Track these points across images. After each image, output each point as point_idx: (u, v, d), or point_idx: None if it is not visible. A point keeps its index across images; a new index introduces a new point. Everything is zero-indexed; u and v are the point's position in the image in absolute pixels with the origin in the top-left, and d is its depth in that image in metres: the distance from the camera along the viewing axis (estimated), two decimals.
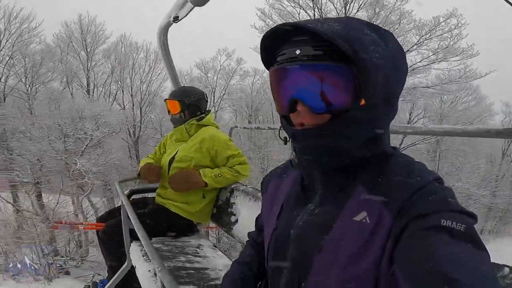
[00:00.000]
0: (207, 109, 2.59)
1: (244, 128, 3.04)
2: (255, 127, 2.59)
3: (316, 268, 0.76)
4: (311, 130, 0.73)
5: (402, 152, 0.83)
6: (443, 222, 0.62)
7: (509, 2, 1.55)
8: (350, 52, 0.65)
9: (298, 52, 0.70)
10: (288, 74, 0.73)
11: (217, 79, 23.54)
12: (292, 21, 0.71)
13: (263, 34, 0.76)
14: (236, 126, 3.10)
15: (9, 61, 18.94)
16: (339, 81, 0.69)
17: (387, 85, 0.71)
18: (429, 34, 14.97)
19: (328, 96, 0.70)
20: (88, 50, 21.47)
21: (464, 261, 0.57)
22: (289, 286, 0.82)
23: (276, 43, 0.76)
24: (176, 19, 2.25)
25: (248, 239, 1.22)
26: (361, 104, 0.69)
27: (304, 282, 0.78)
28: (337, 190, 0.78)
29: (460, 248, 0.59)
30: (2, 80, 19.04)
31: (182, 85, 2.78)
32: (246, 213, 2.16)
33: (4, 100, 18.83)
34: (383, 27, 0.75)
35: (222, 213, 2.44)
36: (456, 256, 0.57)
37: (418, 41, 15.20)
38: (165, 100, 2.56)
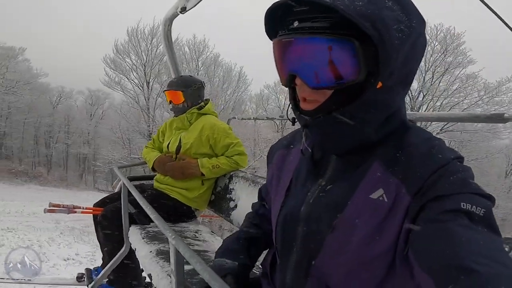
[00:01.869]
0: (205, 98, 2.61)
1: (243, 119, 3.05)
2: (253, 118, 2.60)
3: (328, 248, 0.73)
4: (324, 119, 0.69)
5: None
6: (463, 205, 0.59)
7: None
8: (374, 34, 0.60)
9: (296, 24, 0.66)
10: (286, 47, 0.68)
11: None
12: None
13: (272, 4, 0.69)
14: (234, 117, 3.12)
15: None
16: (338, 55, 0.63)
17: (406, 64, 0.67)
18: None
19: (324, 72, 0.65)
20: None
21: (482, 249, 0.54)
22: (299, 265, 0.79)
23: (281, 13, 0.70)
24: (184, 9, 2.26)
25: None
26: (378, 87, 0.65)
27: (315, 261, 0.75)
28: (352, 166, 0.75)
29: (478, 234, 0.56)
30: None
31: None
32: (246, 199, 2.17)
33: None
34: None
35: (220, 200, 2.44)
36: (475, 243, 0.55)
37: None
38: (164, 91, 2.55)
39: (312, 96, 0.69)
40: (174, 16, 2.36)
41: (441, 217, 0.59)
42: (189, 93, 2.47)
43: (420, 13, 0.68)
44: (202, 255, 1.95)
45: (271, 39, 0.74)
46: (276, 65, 0.74)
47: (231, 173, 2.43)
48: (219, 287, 0.72)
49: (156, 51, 22.13)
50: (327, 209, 0.73)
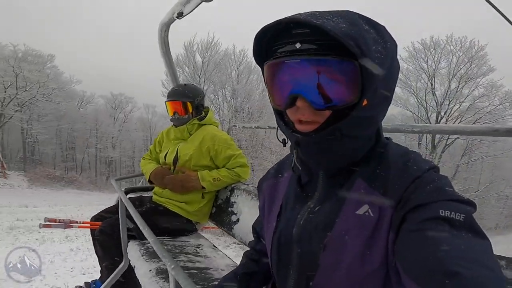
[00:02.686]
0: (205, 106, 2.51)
1: (244, 127, 2.96)
2: (255, 126, 2.51)
3: (323, 268, 0.73)
4: (316, 136, 0.70)
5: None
6: (442, 212, 0.60)
7: None
8: (358, 53, 0.62)
9: (298, 46, 0.66)
10: (287, 68, 0.68)
11: None
12: (294, 15, 0.67)
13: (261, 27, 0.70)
14: (235, 125, 3.03)
15: None
16: (341, 76, 0.65)
17: (387, 83, 0.70)
18: None
19: (329, 92, 0.66)
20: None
21: (465, 253, 0.54)
22: (297, 287, 0.79)
23: (271, 37, 0.71)
24: (181, 15, 2.17)
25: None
26: (363, 104, 0.67)
27: (312, 281, 0.75)
28: (337, 186, 0.76)
29: (460, 239, 0.57)
30: None
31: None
32: (248, 212, 2.09)
33: None
34: (377, 21, 0.71)
35: (222, 213, 2.35)
36: (457, 248, 0.55)
37: None
38: (168, 101, 2.37)
39: (311, 118, 0.69)
40: (171, 21, 2.27)
41: (422, 226, 0.60)
42: (196, 103, 2.37)
43: (392, 38, 0.71)
44: (204, 273, 1.86)
45: (258, 60, 0.76)
46: (271, 87, 0.74)
47: (233, 186, 2.35)
48: None
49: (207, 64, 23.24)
50: (317, 229, 0.75)
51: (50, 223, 2.61)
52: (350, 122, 0.67)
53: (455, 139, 22.01)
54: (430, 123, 22.25)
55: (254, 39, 0.72)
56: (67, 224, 2.65)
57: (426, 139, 23.41)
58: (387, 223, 0.67)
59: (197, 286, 1.68)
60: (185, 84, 2.43)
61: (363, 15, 0.70)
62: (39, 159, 34.67)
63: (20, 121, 30.07)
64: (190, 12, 2.13)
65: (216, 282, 1.78)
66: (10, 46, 28.61)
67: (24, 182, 25.34)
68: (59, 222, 2.66)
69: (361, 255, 0.68)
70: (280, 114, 0.77)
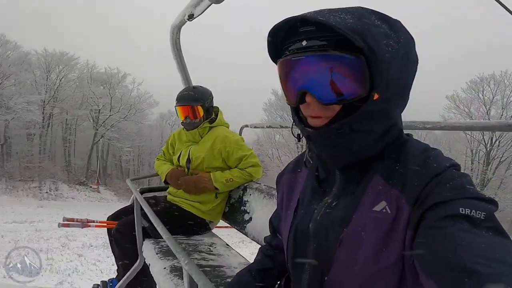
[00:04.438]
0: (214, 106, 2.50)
1: (255, 127, 2.96)
2: (266, 126, 2.53)
3: (338, 263, 0.73)
4: (326, 130, 0.70)
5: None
6: (462, 210, 0.59)
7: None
8: (364, 47, 0.63)
9: (304, 43, 0.68)
10: (295, 65, 0.70)
11: None
12: (302, 14, 0.68)
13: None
14: (247, 125, 3.04)
15: None
16: (348, 70, 0.66)
17: (400, 77, 0.69)
18: None
19: (337, 86, 0.67)
20: None
21: (485, 251, 0.53)
22: (312, 282, 0.79)
23: (283, 35, 0.73)
24: (191, 17, 2.18)
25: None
26: (374, 98, 0.67)
27: (327, 276, 0.75)
28: (355, 182, 0.76)
29: (480, 237, 0.55)
30: None
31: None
32: (261, 211, 2.09)
33: None
34: (392, 16, 0.71)
35: (235, 212, 2.36)
36: (476, 245, 0.54)
37: None
38: (178, 106, 2.34)
39: (321, 113, 0.70)
40: (182, 23, 2.29)
41: (441, 224, 0.59)
42: (206, 106, 2.35)
43: (408, 32, 0.71)
44: (217, 271, 1.86)
45: (274, 60, 0.77)
46: (283, 84, 0.75)
47: (245, 185, 2.35)
48: None
49: None
50: (334, 224, 0.74)
51: (69, 222, 2.66)
52: (360, 116, 0.67)
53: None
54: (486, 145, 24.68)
55: (267, 38, 0.74)
56: (84, 223, 2.69)
57: (479, 156, 25.52)
58: (404, 220, 0.66)
59: (209, 282, 1.72)
60: (193, 87, 2.42)
61: (375, 11, 0.70)
62: (121, 174, 37.62)
63: (108, 139, 33.27)
64: (200, 14, 2.15)
65: (229, 280, 1.79)
66: (109, 70, 33.20)
67: (112, 195, 28.26)
68: (77, 221, 2.71)
69: (377, 252, 0.68)
70: (295, 110, 0.78)
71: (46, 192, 26.13)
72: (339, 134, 0.69)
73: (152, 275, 1.88)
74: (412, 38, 0.72)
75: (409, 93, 0.75)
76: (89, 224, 2.70)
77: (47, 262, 6.59)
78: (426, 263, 0.58)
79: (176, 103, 2.37)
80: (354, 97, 0.67)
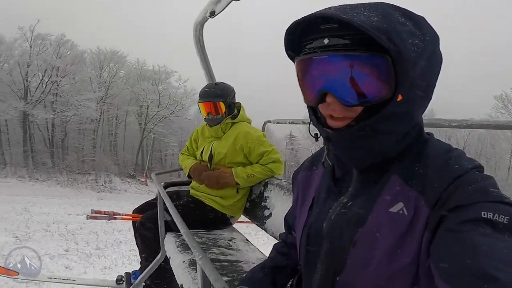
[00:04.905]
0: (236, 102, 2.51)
1: (278, 123, 2.95)
2: (289, 122, 2.50)
3: (351, 263, 0.71)
4: (347, 132, 0.68)
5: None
6: (484, 214, 0.56)
7: None
8: (390, 47, 0.60)
9: (326, 41, 0.64)
10: (316, 64, 0.67)
11: None
12: (323, 10, 0.65)
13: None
14: (269, 121, 3.02)
15: None
16: (372, 71, 0.63)
17: (424, 77, 0.66)
18: None
19: (361, 87, 0.64)
20: None
21: (508, 257, 0.51)
22: (324, 281, 0.77)
23: (300, 32, 0.70)
24: (213, 14, 2.21)
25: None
26: (398, 99, 0.64)
27: (339, 276, 0.73)
28: (372, 182, 0.74)
29: (503, 243, 0.53)
30: None
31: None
32: (280, 207, 2.09)
33: None
34: (414, 12, 0.67)
35: (255, 207, 2.37)
36: (498, 251, 0.51)
37: None
38: (201, 102, 2.38)
39: (342, 113, 0.68)
40: (204, 20, 2.31)
41: (461, 227, 0.57)
42: (228, 102, 2.38)
43: (433, 29, 0.68)
44: (234, 265, 1.88)
45: (291, 58, 0.75)
46: (302, 83, 0.73)
47: (266, 181, 2.36)
48: None
49: None
50: (348, 224, 0.73)
51: (96, 215, 2.78)
52: (383, 118, 0.65)
53: None
54: None
55: (284, 35, 0.72)
56: (111, 216, 2.80)
57: None
58: (422, 222, 0.63)
59: (222, 277, 1.73)
60: (216, 84, 2.45)
61: (399, 7, 0.67)
62: (163, 167, 38.83)
63: (156, 134, 34.71)
64: (221, 10, 2.16)
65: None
66: (157, 67, 34.84)
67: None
68: (104, 214, 2.82)
69: (392, 253, 0.65)
70: (312, 109, 0.76)
71: (102, 185, 27.98)
72: (360, 136, 0.67)
73: (172, 268, 1.92)
74: (437, 36, 0.68)
75: (432, 93, 0.71)
76: (115, 216, 2.80)
77: (132, 253, 6.95)
78: (442, 267, 0.55)
79: (199, 99, 2.40)
80: (378, 98, 0.64)
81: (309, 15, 0.66)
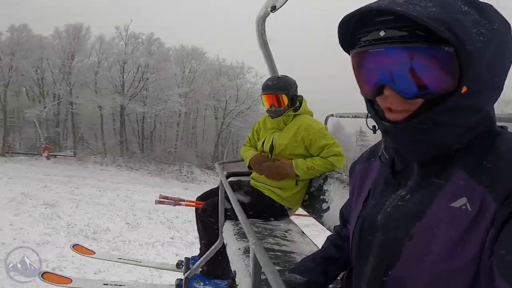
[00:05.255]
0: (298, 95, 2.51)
1: (341, 116, 2.87)
2: (352, 116, 2.40)
3: (406, 257, 0.68)
4: (407, 125, 0.66)
5: None
6: None
7: None
8: (451, 38, 0.57)
9: (382, 33, 0.63)
10: (373, 57, 0.66)
11: None
12: (376, 3, 0.63)
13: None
14: (332, 115, 2.96)
15: None
16: (433, 62, 0.60)
17: (492, 68, 0.62)
18: None
19: (421, 79, 0.62)
20: None
21: None
22: (375, 275, 0.75)
23: (354, 24, 0.69)
24: (274, 8, 2.23)
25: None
26: (462, 91, 0.60)
27: (392, 271, 0.71)
28: (433, 176, 0.69)
29: None
30: None
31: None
32: (339, 201, 2.05)
33: None
34: (481, 0, 0.63)
35: (313, 200, 2.36)
36: None
37: None
38: (264, 94, 2.41)
39: (401, 106, 0.66)
40: (265, 15, 2.34)
41: None
42: (291, 94, 2.40)
43: (503, 17, 0.63)
44: (288, 256, 1.89)
45: (346, 50, 0.74)
46: (358, 75, 0.72)
47: (326, 174, 2.33)
48: None
49: None
50: (405, 217, 0.70)
51: (163, 200, 3.01)
52: (445, 110, 0.62)
53: None
54: None
55: (337, 28, 0.71)
56: (176, 201, 3.00)
57: None
58: (488, 219, 0.59)
59: (271, 262, 1.75)
60: (278, 77, 2.47)
61: None
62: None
63: (234, 128, 37.13)
64: (282, 5, 2.18)
65: None
66: (235, 63, 37.11)
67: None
68: (170, 199, 3.03)
69: (450, 250, 0.62)
70: (370, 101, 0.75)
71: (185, 175, 30.26)
72: (421, 129, 0.65)
73: (228, 255, 2.00)
74: (508, 24, 0.64)
75: (503, 84, 0.67)
76: (180, 203, 2.99)
77: None
78: (506, 266, 0.53)
79: (262, 91, 2.45)
80: (441, 90, 0.62)
81: (362, 8, 0.64)
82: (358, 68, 0.71)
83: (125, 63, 32.14)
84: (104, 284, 2.74)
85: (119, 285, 2.73)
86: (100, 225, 9.41)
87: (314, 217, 2.30)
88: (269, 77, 2.62)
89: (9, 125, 31.95)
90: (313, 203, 2.34)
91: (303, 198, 2.46)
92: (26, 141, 34.23)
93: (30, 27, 31.45)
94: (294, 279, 1.00)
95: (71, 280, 2.76)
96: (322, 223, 2.17)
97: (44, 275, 2.75)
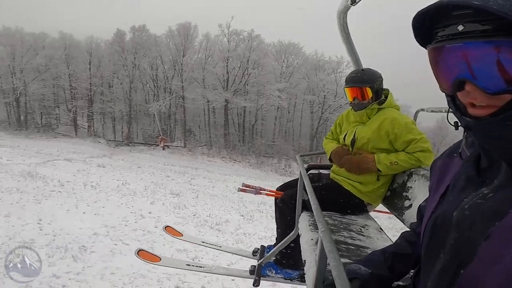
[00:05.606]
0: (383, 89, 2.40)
1: (432, 111, 2.65)
2: (444, 110, 2.18)
3: (480, 258, 0.65)
4: (491, 121, 0.63)
5: None
6: None
7: None
8: None
9: (461, 28, 0.61)
10: (451, 52, 0.64)
11: None
12: None
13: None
14: (423, 109, 2.75)
15: None
16: None
17: None
18: None
19: (503, 75, 0.59)
20: None
21: None
22: (444, 273, 0.73)
23: (430, 18, 0.68)
24: (354, 1, 2.19)
25: None
26: None
27: (464, 270, 0.68)
28: None
29: None
30: None
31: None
32: (422, 199, 1.90)
33: None
34: None
35: (395, 197, 2.25)
36: None
37: None
38: (347, 87, 2.37)
39: (486, 102, 0.63)
40: (346, 8, 2.29)
41: None
42: (375, 88, 2.32)
43: None
44: (360, 250, 1.86)
45: (422, 45, 0.73)
46: (436, 71, 0.71)
47: (412, 170, 2.20)
48: (340, 285, 0.74)
49: None
50: (484, 216, 0.66)
51: (245, 188, 3.15)
52: None
53: None
54: None
55: (412, 23, 0.72)
56: (257, 190, 3.12)
57: None
58: None
59: (344, 258, 1.74)
60: (362, 70, 2.40)
61: None
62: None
63: (331, 123, 38.46)
64: None
65: None
66: (334, 58, 37.07)
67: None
68: (252, 188, 3.17)
69: None
70: (451, 96, 0.73)
71: (283, 169, 31.07)
72: (507, 125, 0.62)
73: (300, 245, 2.04)
74: None
75: None
76: (261, 192, 3.11)
77: None
78: None
79: (345, 84, 2.41)
80: None
81: (437, 3, 0.64)
82: (436, 64, 0.69)
83: (228, 59, 34.12)
84: (187, 265, 2.98)
85: (200, 266, 2.96)
86: (220, 216, 9.96)
87: (395, 214, 2.20)
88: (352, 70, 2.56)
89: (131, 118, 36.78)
90: (395, 200, 2.23)
91: (385, 194, 2.37)
92: (143, 132, 38.88)
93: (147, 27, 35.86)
94: (358, 269, 1.00)
95: (160, 258, 3.08)
96: (402, 221, 2.07)
97: (139, 252, 3.11)
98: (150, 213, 9.20)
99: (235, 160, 31.67)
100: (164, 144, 31.47)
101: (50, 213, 8.02)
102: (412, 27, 0.69)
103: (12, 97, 33.96)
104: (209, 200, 12.14)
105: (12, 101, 34.24)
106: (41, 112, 36.88)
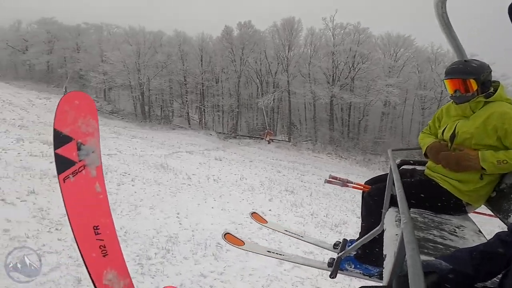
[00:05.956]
0: (493, 81, 2.14)
1: None
2: None
3: None
4: None
5: None
6: None
7: None
8: None
9: None
10: None
11: None
12: None
13: None
14: None
15: None
16: None
17: None
18: None
19: None
20: None
21: None
22: None
23: None
24: None
25: None
26: None
27: None
28: None
29: None
30: None
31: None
32: None
33: None
34: None
35: (502, 198, 1.99)
36: None
37: None
38: (447, 79, 2.19)
39: None
40: None
41: None
42: (482, 79, 2.10)
43: None
44: (449, 250, 1.71)
45: None
46: None
47: None
48: (413, 279, 0.72)
49: None
50: None
51: (332, 180, 3.10)
52: None
53: None
54: None
55: (508, 11, 0.69)
56: (344, 183, 3.03)
57: None
58: None
59: (430, 257, 1.63)
60: (465, 60, 2.17)
61: None
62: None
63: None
64: None
65: None
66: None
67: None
68: (339, 180, 3.09)
69: None
70: None
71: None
72: None
73: (384, 240, 1.98)
74: None
75: None
76: (347, 184, 3.01)
77: None
78: None
79: (445, 76, 2.23)
80: None
81: None
82: None
83: (333, 53, 33.37)
84: (268, 251, 3.05)
85: (280, 253, 3.01)
86: (336, 217, 9.68)
87: (499, 217, 1.95)
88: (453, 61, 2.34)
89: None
90: (501, 202, 1.97)
91: (489, 195, 2.12)
92: (247, 124, 40.57)
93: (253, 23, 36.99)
94: (439, 264, 0.95)
95: (243, 242, 3.21)
96: (507, 224, 1.83)
97: (226, 236, 3.28)
98: (270, 210, 9.14)
99: (341, 156, 30.90)
100: (270, 138, 32.43)
101: (184, 207, 8.15)
102: (509, 14, 0.66)
103: (138, 92, 38.09)
104: (323, 199, 11.87)
105: (138, 95, 38.44)
106: (161, 106, 40.98)
